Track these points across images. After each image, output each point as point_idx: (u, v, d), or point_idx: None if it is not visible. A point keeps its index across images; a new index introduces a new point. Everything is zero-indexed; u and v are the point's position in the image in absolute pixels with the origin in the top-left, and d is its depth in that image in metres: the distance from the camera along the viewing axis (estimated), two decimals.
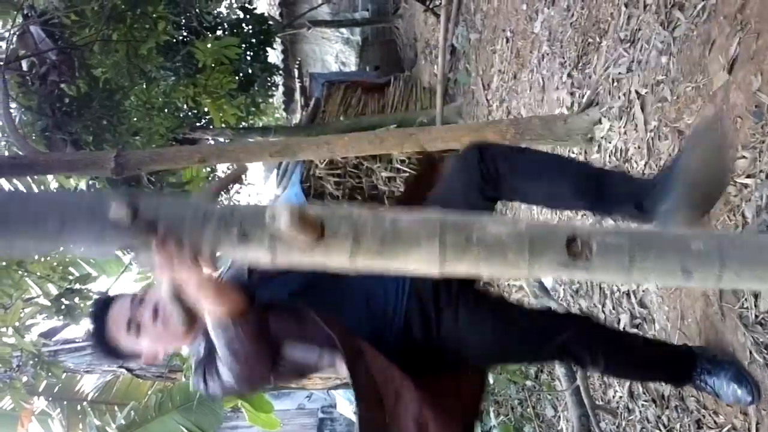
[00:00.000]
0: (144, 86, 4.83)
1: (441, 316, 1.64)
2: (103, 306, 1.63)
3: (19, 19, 4.09)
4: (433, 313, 1.64)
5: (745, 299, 1.82)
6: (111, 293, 1.64)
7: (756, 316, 1.78)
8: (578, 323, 1.82)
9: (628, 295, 2.59)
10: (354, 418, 6.46)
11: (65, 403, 5.04)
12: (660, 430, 2.34)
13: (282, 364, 1.54)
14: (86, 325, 1.71)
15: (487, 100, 5.15)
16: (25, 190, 3.95)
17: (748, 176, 1.80)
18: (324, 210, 1.09)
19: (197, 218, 1.06)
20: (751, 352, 1.80)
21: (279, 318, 1.56)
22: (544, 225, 1.08)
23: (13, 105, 4.21)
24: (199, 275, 1.23)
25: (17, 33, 4.09)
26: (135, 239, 1.05)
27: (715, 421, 2.03)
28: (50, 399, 5.01)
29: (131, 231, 1.05)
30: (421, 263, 1.08)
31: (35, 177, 4.29)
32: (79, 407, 5.11)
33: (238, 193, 8.93)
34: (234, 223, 1.06)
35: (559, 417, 3.46)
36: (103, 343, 1.61)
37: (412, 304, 1.65)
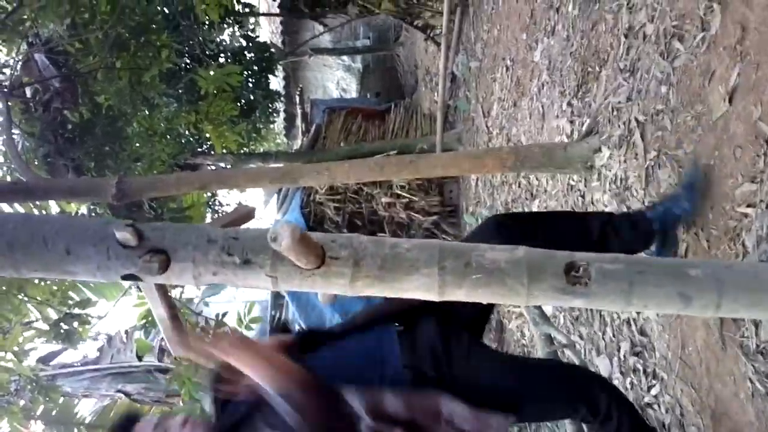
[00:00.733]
0: (146, 113, 4.88)
1: (452, 357, 1.64)
2: (128, 420, 1.62)
3: (24, 47, 4.14)
4: (444, 357, 1.64)
5: (746, 328, 1.82)
6: (130, 415, 1.64)
7: (757, 345, 1.77)
8: (600, 380, 1.82)
9: (628, 322, 2.58)
10: None
11: (63, 427, 4.99)
12: None
13: None
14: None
15: (487, 127, 5.19)
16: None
17: (749, 206, 1.81)
18: (324, 237, 1.09)
19: (201, 243, 1.07)
20: (751, 381, 1.79)
21: None
22: (542, 251, 1.08)
23: (15, 131, 4.24)
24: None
25: (22, 60, 4.14)
26: (140, 265, 1.05)
27: None
28: (47, 424, 4.96)
29: (137, 254, 1.06)
30: (420, 288, 1.08)
31: (37, 203, 4.30)
32: (76, 431, 5.06)
33: None
34: (237, 249, 1.07)
35: None
36: None
37: (416, 359, 1.64)
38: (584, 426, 1.80)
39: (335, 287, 1.08)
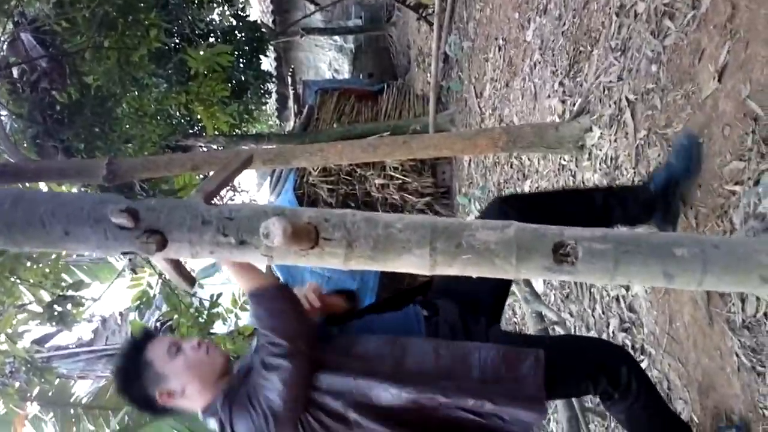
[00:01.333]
0: (136, 93, 4.83)
1: (471, 334, 1.70)
2: (147, 335, 1.69)
3: (10, 26, 4.09)
4: (463, 335, 1.70)
5: (732, 303, 1.85)
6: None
7: (743, 320, 1.80)
8: (620, 350, 1.84)
9: (617, 299, 2.61)
10: None
11: (59, 408, 5.00)
12: None
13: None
14: (120, 348, 1.77)
15: (479, 107, 5.18)
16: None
17: (737, 183, 1.83)
18: (318, 215, 1.10)
19: (196, 224, 1.08)
20: (737, 355, 1.82)
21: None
22: (533, 230, 1.09)
23: (3, 112, 4.20)
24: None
25: (8, 40, 4.09)
26: (138, 245, 1.06)
27: (701, 423, 2.04)
28: (43, 404, 4.98)
29: (134, 235, 1.06)
30: (412, 267, 1.10)
31: (26, 185, 4.27)
32: (72, 412, 5.08)
33: (232, 200, 8.91)
34: (231, 230, 1.08)
35: (549, 419, 3.47)
36: (131, 362, 1.62)
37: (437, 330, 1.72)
38: (602, 403, 1.81)
39: (329, 264, 1.11)
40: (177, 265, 1.28)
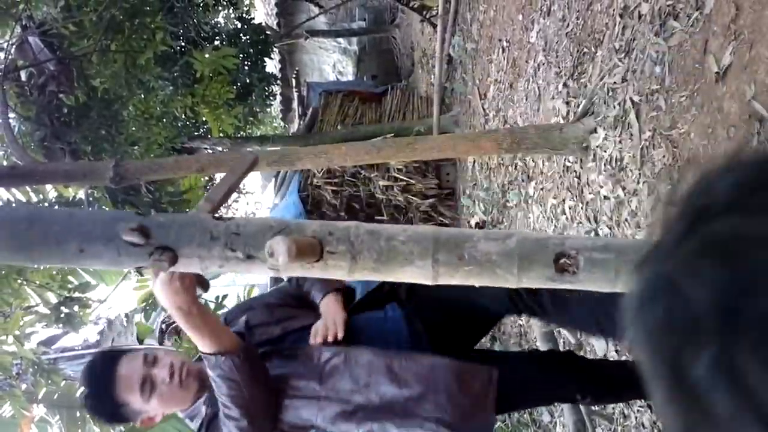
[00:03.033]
0: (142, 96, 4.86)
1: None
2: (110, 362, 1.59)
3: (18, 30, 4.11)
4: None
5: None
6: (113, 351, 1.67)
7: None
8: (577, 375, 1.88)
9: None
10: None
11: (65, 410, 5.02)
12: None
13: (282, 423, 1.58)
14: (84, 381, 1.67)
15: (483, 109, 5.18)
16: (39, 206, 3.96)
17: None
18: (322, 228, 1.13)
19: (204, 240, 1.11)
20: None
21: (280, 361, 1.64)
22: (535, 241, 1.10)
23: (11, 115, 4.22)
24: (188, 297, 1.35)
25: (16, 44, 4.11)
26: (150, 261, 1.10)
27: None
28: (50, 406, 4.99)
29: (146, 252, 1.10)
30: (414, 278, 1.14)
31: (34, 186, 4.30)
32: (78, 414, 5.09)
33: (237, 201, 8.93)
34: (239, 245, 1.11)
35: (556, 423, 3.47)
36: (107, 401, 1.57)
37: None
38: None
39: (334, 276, 1.15)
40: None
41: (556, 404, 1.80)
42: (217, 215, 1.16)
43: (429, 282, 1.11)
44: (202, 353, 1.47)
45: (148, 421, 1.61)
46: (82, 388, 1.64)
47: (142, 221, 1.09)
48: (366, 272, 1.12)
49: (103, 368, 1.60)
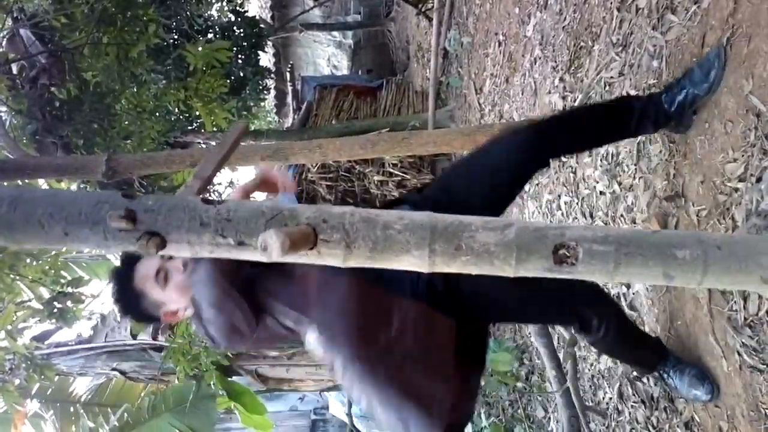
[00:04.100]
0: (135, 89, 4.81)
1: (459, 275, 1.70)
2: (131, 260, 1.68)
3: (9, 22, 4.07)
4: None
5: (735, 302, 1.84)
6: (136, 253, 1.70)
7: (745, 319, 1.79)
8: (593, 288, 1.85)
9: (618, 297, 2.60)
10: (346, 419, 6.46)
11: (58, 405, 5.02)
12: (649, 431, 2.36)
13: (262, 324, 1.61)
14: (110, 280, 1.79)
15: (479, 103, 5.17)
16: (22, 187, 3.92)
17: (740, 180, 1.82)
18: (316, 215, 1.10)
19: (194, 225, 1.08)
20: (739, 354, 1.81)
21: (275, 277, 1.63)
22: (534, 230, 1.09)
23: (2, 108, 4.18)
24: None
25: (7, 36, 4.07)
26: (137, 245, 1.07)
27: (702, 423, 2.04)
28: (43, 401, 4.98)
29: (133, 236, 1.07)
30: (410, 267, 1.12)
31: (26, 181, 4.26)
32: (72, 409, 5.10)
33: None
34: (230, 231, 1.08)
35: (549, 418, 3.48)
36: (127, 295, 1.66)
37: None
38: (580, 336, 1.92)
39: (328, 263, 1.11)
40: None
41: (567, 326, 1.79)
42: (206, 197, 1.13)
43: (425, 271, 1.10)
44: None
45: (171, 316, 1.67)
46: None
47: (129, 205, 1.06)
48: (361, 260, 1.10)
49: (124, 265, 1.70)
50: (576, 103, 2.96)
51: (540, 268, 1.08)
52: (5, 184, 3.54)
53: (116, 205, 1.07)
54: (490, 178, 1.77)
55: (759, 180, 1.73)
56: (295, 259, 1.10)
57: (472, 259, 1.08)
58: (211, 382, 4.79)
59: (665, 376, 2.09)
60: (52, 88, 4.16)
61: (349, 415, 6.24)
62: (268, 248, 0.99)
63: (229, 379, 5.24)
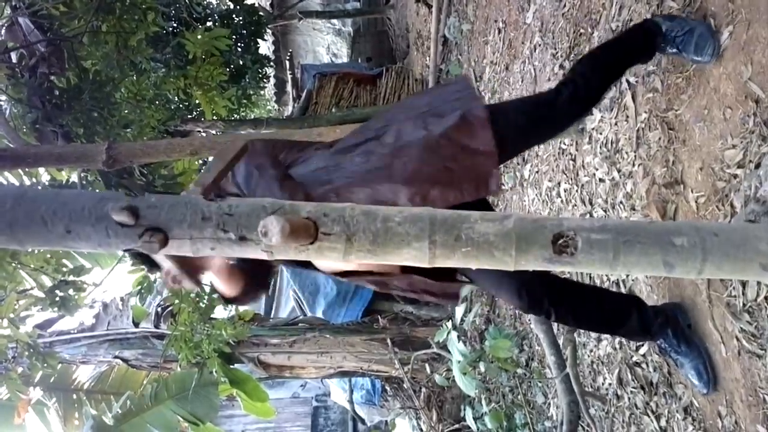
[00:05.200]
0: (134, 78, 4.80)
1: None
2: None
3: (8, 11, 4.05)
4: None
5: (733, 288, 1.85)
6: None
7: (744, 305, 1.81)
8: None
9: (617, 284, 2.62)
10: (348, 406, 6.51)
11: (61, 393, 5.05)
12: (648, 416, 2.38)
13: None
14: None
15: (479, 91, 5.15)
16: (25, 186, 3.94)
17: (738, 166, 1.82)
18: (317, 209, 1.11)
19: (196, 221, 1.08)
20: (738, 339, 1.83)
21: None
22: (532, 221, 1.10)
23: (2, 97, 4.17)
24: None
25: (5, 24, 4.05)
26: (140, 243, 1.07)
27: (701, 408, 2.06)
28: (46, 389, 5.01)
29: (135, 233, 1.07)
30: (411, 260, 1.12)
31: (26, 170, 4.26)
32: (74, 397, 5.13)
33: None
34: (231, 226, 1.08)
35: (549, 404, 3.50)
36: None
37: None
38: None
39: (329, 259, 1.12)
40: (183, 264, 1.27)
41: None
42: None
43: (425, 264, 1.10)
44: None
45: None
46: None
47: (132, 201, 1.06)
48: (361, 254, 1.10)
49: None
50: None
51: (540, 258, 1.09)
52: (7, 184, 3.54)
53: (119, 202, 1.07)
54: None
55: (758, 166, 1.74)
56: (295, 253, 1.10)
57: (473, 250, 1.08)
58: (213, 370, 4.81)
59: (666, 352, 2.07)
60: (52, 77, 4.15)
61: (351, 401, 6.29)
62: (269, 233, 1.00)
63: (231, 366, 5.26)
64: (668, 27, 1.96)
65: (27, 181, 4.20)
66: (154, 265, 1.66)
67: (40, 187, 4.06)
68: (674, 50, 1.97)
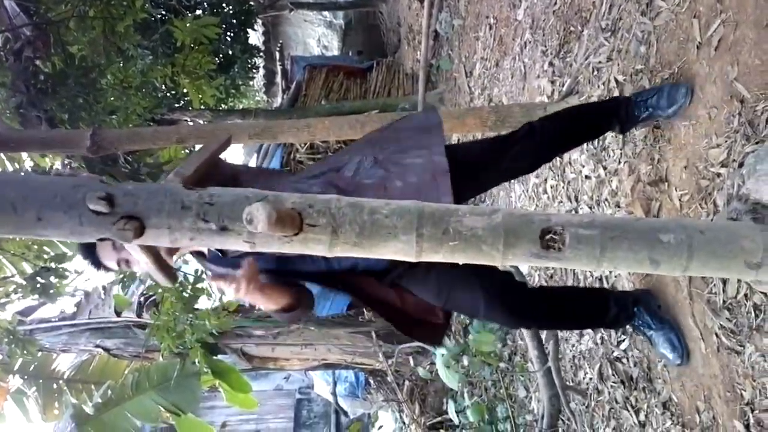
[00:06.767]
0: (121, 64, 4.74)
1: None
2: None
3: None
4: None
5: (714, 285, 1.87)
6: None
7: (724, 302, 1.83)
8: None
9: (600, 280, 2.64)
10: (331, 398, 6.52)
11: (41, 381, 5.00)
12: (628, 410, 2.40)
13: None
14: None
15: (469, 87, 5.16)
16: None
17: (722, 165, 1.84)
18: (302, 200, 1.08)
19: (175, 210, 1.04)
20: (717, 336, 1.85)
21: None
22: (520, 216, 1.09)
23: None
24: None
25: None
26: (114, 231, 1.03)
27: (679, 403, 2.09)
28: (26, 377, 4.96)
29: (110, 221, 1.03)
30: (398, 253, 1.09)
31: (9, 155, 4.21)
32: (55, 386, 5.08)
33: None
34: (212, 216, 1.04)
35: (531, 397, 3.53)
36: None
37: None
38: None
39: (314, 251, 1.09)
40: (157, 259, 1.22)
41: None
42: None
43: (412, 258, 1.08)
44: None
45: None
46: None
47: (108, 189, 1.02)
48: (347, 246, 1.07)
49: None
50: (564, 88, 2.97)
51: (528, 253, 1.08)
52: None
53: (94, 189, 1.02)
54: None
55: (741, 165, 1.76)
56: (279, 245, 1.07)
57: (460, 244, 1.07)
58: (196, 360, 4.79)
59: (640, 329, 2.13)
60: (37, 62, 4.09)
61: (334, 394, 6.30)
62: (254, 220, 0.97)
63: (214, 357, 5.24)
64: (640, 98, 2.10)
65: (9, 167, 4.15)
66: (100, 265, 1.67)
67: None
68: (646, 113, 2.07)
